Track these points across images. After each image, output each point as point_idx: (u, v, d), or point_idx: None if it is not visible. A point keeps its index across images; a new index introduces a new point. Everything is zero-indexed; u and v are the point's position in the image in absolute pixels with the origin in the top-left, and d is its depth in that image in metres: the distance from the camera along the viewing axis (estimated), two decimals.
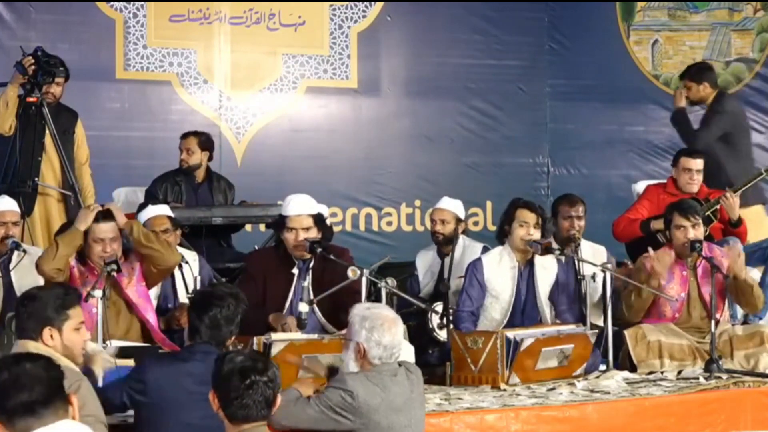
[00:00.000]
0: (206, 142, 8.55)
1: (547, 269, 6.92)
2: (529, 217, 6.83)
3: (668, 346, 6.80)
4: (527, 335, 6.29)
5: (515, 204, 6.96)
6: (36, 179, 7.76)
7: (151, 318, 6.29)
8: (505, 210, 7.00)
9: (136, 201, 8.31)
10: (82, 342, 4.49)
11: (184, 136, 8.56)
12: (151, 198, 7.89)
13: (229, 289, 4.99)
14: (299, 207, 6.53)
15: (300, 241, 6.43)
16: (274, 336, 5.94)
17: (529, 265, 6.89)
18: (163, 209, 6.91)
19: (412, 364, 5.05)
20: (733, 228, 8.06)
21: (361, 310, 4.94)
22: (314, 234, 6.46)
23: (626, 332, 6.82)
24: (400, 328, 4.99)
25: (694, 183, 8.15)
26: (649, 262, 6.89)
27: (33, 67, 7.69)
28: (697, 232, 6.97)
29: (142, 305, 6.27)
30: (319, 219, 6.54)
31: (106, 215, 6.22)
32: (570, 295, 6.96)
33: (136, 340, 6.18)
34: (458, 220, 7.55)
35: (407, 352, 5.66)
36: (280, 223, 6.56)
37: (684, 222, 6.99)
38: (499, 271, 6.85)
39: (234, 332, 4.89)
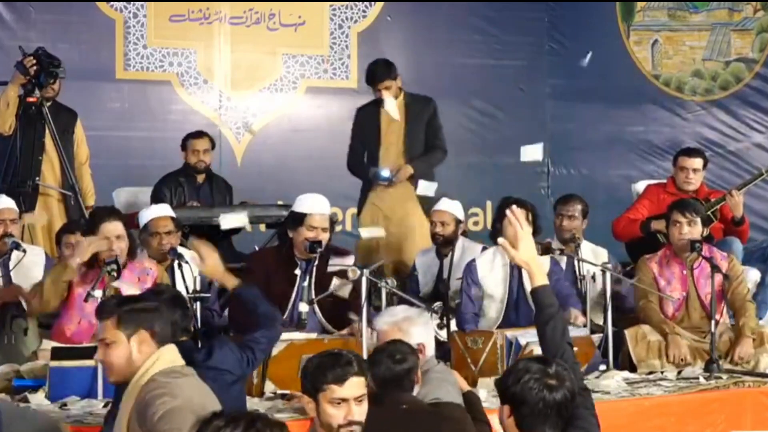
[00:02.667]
0: (212, 141, 8.57)
1: None
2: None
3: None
4: (531, 338, 6.26)
5: (507, 202, 6.94)
6: (37, 179, 7.76)
7: None
8: (497, 209, 6.99)
9: (135, 201, 8.31)
10: None
11: (197, 136, 8.50)
12: (157, 201, 7.86)
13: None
14: (321, 206, 6.52)
15: (317, 239, 6.41)
16: None
17: None
18: (165, 210, 6.87)
19: None
20: (736, 226, 8.06)
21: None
22: (328, 235, 6.45)
23: (626, 332, 6.82)
24: None
25: (691, 182, 8.13)
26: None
27: (35, 67, 7.68)
28: (693, 229, 6.94)
29: None
30: (332, 221, 6.55)
31: (112, 214, 6.19)
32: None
33: None
34: (458, 221, 7.53)
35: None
36: (295, 220, 6.50)
37: (680, 218, 6.97)
38: (492, 270, 6.86)
39: (178, 318, 4.66)
